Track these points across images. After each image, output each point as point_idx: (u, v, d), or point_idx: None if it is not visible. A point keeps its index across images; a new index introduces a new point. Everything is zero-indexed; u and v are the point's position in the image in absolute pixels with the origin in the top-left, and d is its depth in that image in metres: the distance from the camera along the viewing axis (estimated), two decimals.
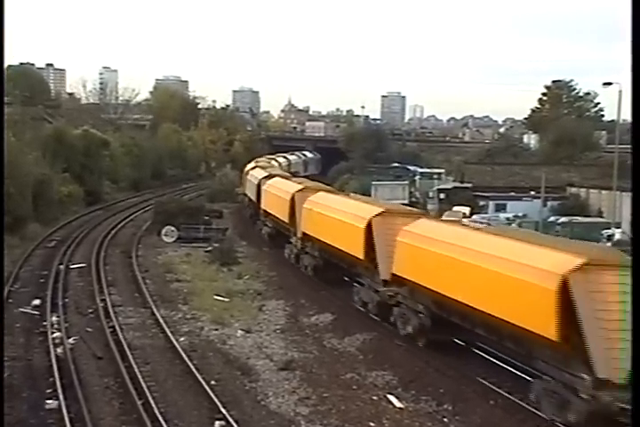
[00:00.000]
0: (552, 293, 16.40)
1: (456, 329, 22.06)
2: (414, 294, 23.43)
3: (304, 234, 34.39)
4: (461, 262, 20.18)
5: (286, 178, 47.04)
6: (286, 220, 37.78)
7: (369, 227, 26.18)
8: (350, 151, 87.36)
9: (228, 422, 16.91)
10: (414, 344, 23.73)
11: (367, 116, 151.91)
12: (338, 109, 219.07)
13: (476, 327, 20.57)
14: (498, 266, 18.61)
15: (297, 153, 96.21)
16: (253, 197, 50.75)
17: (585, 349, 15.92)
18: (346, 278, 31.56)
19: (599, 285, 16.31)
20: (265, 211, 44.76)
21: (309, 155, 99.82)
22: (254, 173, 54.29)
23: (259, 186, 48.04)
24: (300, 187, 38.27)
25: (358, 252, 26.77)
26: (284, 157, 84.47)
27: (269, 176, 48.09)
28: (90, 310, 27.46)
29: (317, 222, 32.49)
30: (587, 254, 17.15)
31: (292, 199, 36.89)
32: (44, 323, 25.08)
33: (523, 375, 20.12)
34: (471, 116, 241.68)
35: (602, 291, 16.20)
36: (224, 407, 17.65)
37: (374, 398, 19.70)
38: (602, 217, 50.18)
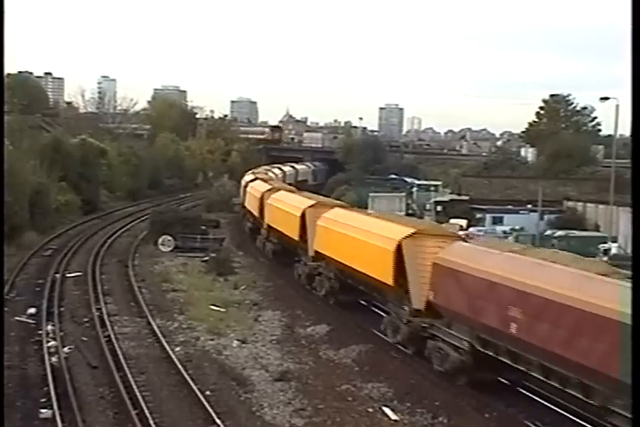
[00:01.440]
0: (391, 252, 23.68)
1: (500, 366, 19.56)
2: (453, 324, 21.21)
3: (317, 253, 31.86)
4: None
5: (292, 191, 44.35)
6: (295, 237, 35.30)
7: (399, 249, 23.69)
8: (348, 163, 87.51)
9: None
10: (409, 356, 23.71)
11: (365, 128, 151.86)
12: (336, 121, 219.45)
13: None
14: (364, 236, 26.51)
15: (307, 163, 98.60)
16: (255, 212, 47.32)
17: (408, 290, 22.84)
18: (363, 302, 30.54)
19: (420, 247, 23.24)
20: (269, 226, 42.35)
21: (318, 164, 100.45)
22: (255, 186, 51.07)
23: (261, 199, 45.32)
24: (312, 202, 35.31)
25: (387, 277, 24.25)
26: (292, 167, 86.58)
27: (273, 189, 45.30)
28: (85, 319, 27.39)
29: (334, 241, 29.78)
30: (416, 227, 24.57)
31: (303, 216, 34.22)
32: (40, 332, 25.00)
33: (528, 394, 20.10)
34: (469, 128, 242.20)
35: (421, 251, 23.10)
36: (219, 418, 17.58)
37: (369, 410, 19.66)
38: (598, 231, 50.28)
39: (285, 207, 38.46)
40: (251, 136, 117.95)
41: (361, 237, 27.09)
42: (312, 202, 35.71)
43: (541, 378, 18.00)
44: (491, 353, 19.69)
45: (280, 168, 77.60)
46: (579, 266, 17.69)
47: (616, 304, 14.93)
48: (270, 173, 67.06)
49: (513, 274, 18.47)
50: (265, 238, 44.38)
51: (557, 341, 16.56)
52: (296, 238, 35.26)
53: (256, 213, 47.33)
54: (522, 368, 18.54)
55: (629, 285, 18.77)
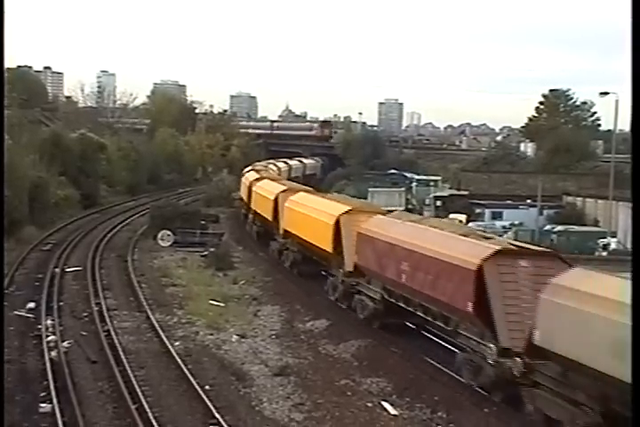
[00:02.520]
0: (331, 226, 28.83)
1: (403, 312, 24.28)
2: None
3: (285, 231, 37.00)
4: None
5: (309, 192, 39.60)
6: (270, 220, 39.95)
7: (337, 223, 29.10)
8: (347, 158, 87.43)
9: None
10: (410, 352, 23.74)
11: (364, 123, 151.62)
12: (335, 116, 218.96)
13: None
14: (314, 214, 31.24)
15: (316, 157, 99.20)
16: (269, 216, 41.92)
17: (343, 256, 27.73)
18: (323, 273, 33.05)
19: (352, 221, 27.75)
20: (286, 231, 37.27)
21: (324, 158, 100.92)
22: (266, 186, 46.13)
23: (276, 202, 40.23)
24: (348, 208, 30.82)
25: (328, 245, 29.62)
26: (299, 161, 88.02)
27: (288, 191, 40.25)
28: (85, 314, 27.41)
29: (297, 220, 34.81)
30: (352, 206, 29.83)
31: (338, 223, 29.64)
32: (39, 326, 25.01)
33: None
34: (468, 123, 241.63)
35: (353, 224, 27.48)
36: (218, 413, 17.60)
37: (369, 404, 19.69)
38: (598, 226, 50.29)
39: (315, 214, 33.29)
40: (295, 133, 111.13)
41: (312, 214, 32.13)
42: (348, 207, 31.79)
43: (422, 315, 22.81)
44: (393, 301, 24.66)
45: (286, 162, 79.20)
46: (450, 229, 22.63)
47: (468, 256, 19.56)
48: (274, 167, 68.20)
49: (405, 237, 23.54)
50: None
51: (429, 285, 21.50)
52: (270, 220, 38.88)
53: (270, 217, 41.89)
54: (411, 309, 23.47)
55: (484, 242, 20.80)
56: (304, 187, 43.56)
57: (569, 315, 15.45)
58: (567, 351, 15.52)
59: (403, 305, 24.09)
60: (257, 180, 50.07)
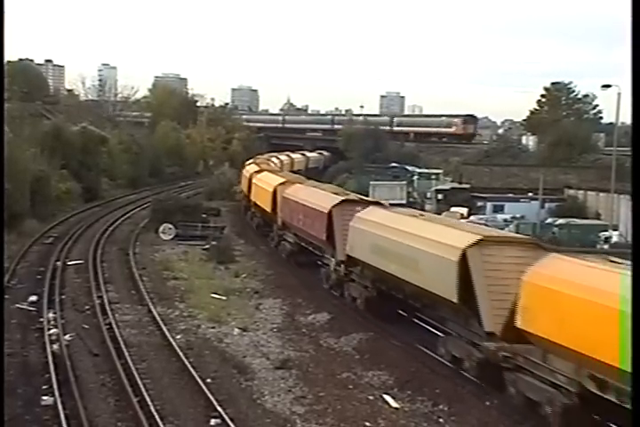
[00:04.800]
0: (325, 215, 30.62)
1: (308, 252, 34.77)
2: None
3: (283, 223, 39.73)
4: None
5: (317, 188, 38.96)
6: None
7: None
8: (348, 151, 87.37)
9: (223, 420, 16.90)
10: (411, 345, 23.76)
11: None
12: (337, 109, 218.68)
13: None
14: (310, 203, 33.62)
15: (318, 151, 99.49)
16: (268, 208, 43.11)
17: (333, 244, 30.12)
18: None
19: (346, 211, 29.53)
20: (285, 224, 39.03)
21: (326, 153, 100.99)
22: (265, 179, 47.38)
23: (275, 193, 41.31)
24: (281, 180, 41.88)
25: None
26: (303, 155, 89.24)
27: (286, 183, 41.49)
28: (86, 307, 27.45)
29: (293, 210, 37.27)
30: (344, 195, 32.78)
31: (330, 214, 30.97)
32: (41, 319, 25.05)
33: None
34: None
35: (345, 214, 29.38)
36: (220, 405, 17.63)
37: (370, 397, 19.70)
38: (599, 219, 50.24)
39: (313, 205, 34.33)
40: (431, 130, 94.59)
41: (305, 203, 34.63)
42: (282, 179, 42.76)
43: (311, 249, 34.36)
44: (299, 242, 36.08)
45: (289, 155, 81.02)
46: (328, 190, 35.52)
47: (325, 204, 30.86)
48: (276, 160, 69.62)
49: (301, 196, 35.57)
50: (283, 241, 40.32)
51: (308, 225, 32.99)
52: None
53: (269, 208, 42.68)
54: (304, 245, 35.24)
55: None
56: (303, 179, 45.42)
57: (290, 205, 30.88)
58: (286, 220, 31.61)
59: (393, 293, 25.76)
60: (257, 172, 51.39)
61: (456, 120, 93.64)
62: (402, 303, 25.73)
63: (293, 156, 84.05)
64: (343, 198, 30.95)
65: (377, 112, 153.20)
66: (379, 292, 26.57)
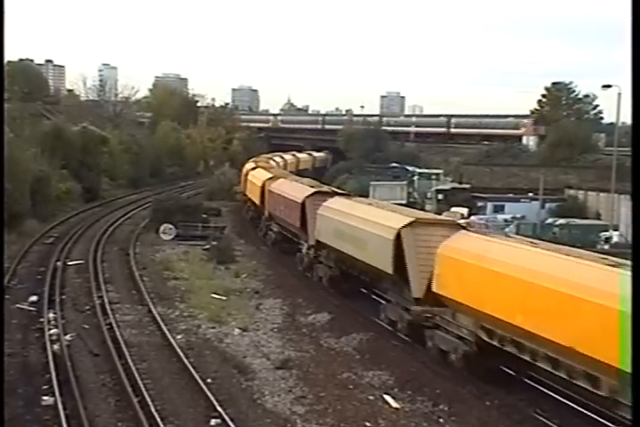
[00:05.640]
0: (299, 205, 34.22)
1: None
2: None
3: (269, 214, 43.82)
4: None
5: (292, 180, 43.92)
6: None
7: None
8: (349, 151, 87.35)
9: (224, 420, 16.91)
10: (411, 345, 23.78)
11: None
12: (337, 109, 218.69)
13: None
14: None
15: (324, 151, 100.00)
16: (257, 201, 47.81)
17: (306, 230, 33.63)
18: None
19: (317, 201, 32.54)
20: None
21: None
22: (257, 175, 51.30)
23: (263, 187, 45.46)
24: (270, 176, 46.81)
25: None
26: (309, 154, 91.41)
27: (273, 178, 45.48)
28: (87, 307, 27.46)
29: (276, 202, 40.90)
30: (318, 187, 36.90)
31: (304, 204, 34.63)
32: (41, 319, 25.06)
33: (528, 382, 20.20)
34: None
35: (316, 204, 32.29)
36: (220, 406, 17.64)
37: (370, 397, 19.71)
38: (600, 219, 50.22)
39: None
40: (497, 132, 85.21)
41: (285, 195, 38.22)
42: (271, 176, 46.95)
43: (290, 236, 38.54)
44: (281, 231, 40.66)
45: (294, 155, 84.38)
46: (306, 183, 39.20)
47: (300, 195, 34.86)
48: (280, 160, 71.30)
49: (282, 189, 39.70)
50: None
51: (286, 214, 37.14)
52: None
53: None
54: (285, 233, 39.66)
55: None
56: (288, 174, 51.59)
57: (273, 195, 34.61)
58: (267, 205, 37.80)
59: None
60: (252, 169, 55.83)
61: (526, 121, 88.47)
62: (358, 280, 29.47)
63: (300, 155, 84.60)
64: (316, 190, 35.10)
65: (377, 112, 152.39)
66: (340, 271, 30.58)
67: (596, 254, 17.68)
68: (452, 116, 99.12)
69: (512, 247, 19.26)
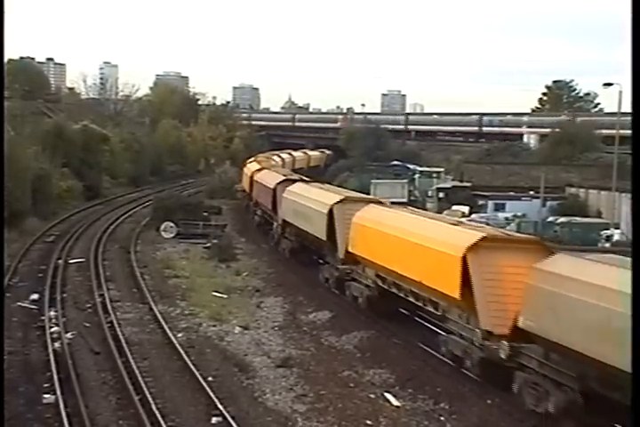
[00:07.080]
0: (271, 190, 41.32)
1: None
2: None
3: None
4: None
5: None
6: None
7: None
8: (350, 149, 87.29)
9: (224, 418, 16.92)
10: (412, 343, 23.78)
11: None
12: (338, 107, 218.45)
13: None
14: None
15: (318, 150, 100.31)
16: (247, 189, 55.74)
17: (276, 211, 39.29)
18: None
19: (285, 186, 38.89)
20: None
21: (327, 151, 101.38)
22: (250, 167, 57.67)
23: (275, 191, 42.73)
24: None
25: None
26: (304, 153, 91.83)
27: (260, 170, 52.34)
28: (88, 305, 27.46)
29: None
30: (289, 175, 43.12)
31: (275, 189, 41.93)
32: (42, 317, 25.07)
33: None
34: None
35: (284, 189, 38.77)
36: (221, 404, 17.65)
37: (371, 396, 19.72)
38: (601, 217, 50.17)
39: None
40: None
41: (262, 182, 45.77)
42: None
43: (267, 218, 44.83)
44: (262, 214, 47.05)
45: (305, 152, 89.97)
46: (281, 172, 45.81)
47: (272, 182, 42.48)
48: (278, 158, 71.45)
49: (263, 178, 45.64)
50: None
51: (263, 198, 44.71)
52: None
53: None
54: (265, 216, 46.10)
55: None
56: (279, 168, 56.91)
57: (256, 183, 48.55)
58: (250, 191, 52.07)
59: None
60: (249, 162, 60.92)
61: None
62: (311, 251, 35.00)
63: (295, 154, 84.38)
64: (285, 178, 42.22)
65: (378, 110, 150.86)
66: (299, 244, 36.33)
67: (456, 219, 27.04)
68: (523, 114, 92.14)
69: (398, 215, 25.71)
